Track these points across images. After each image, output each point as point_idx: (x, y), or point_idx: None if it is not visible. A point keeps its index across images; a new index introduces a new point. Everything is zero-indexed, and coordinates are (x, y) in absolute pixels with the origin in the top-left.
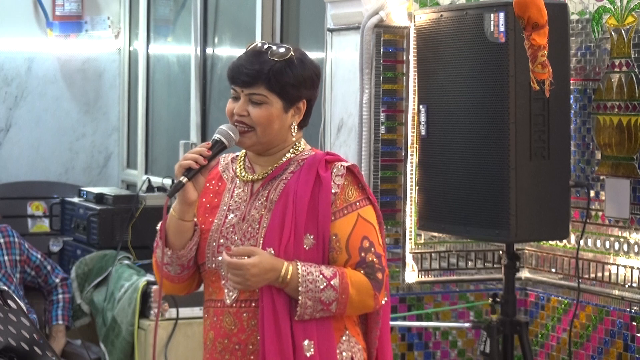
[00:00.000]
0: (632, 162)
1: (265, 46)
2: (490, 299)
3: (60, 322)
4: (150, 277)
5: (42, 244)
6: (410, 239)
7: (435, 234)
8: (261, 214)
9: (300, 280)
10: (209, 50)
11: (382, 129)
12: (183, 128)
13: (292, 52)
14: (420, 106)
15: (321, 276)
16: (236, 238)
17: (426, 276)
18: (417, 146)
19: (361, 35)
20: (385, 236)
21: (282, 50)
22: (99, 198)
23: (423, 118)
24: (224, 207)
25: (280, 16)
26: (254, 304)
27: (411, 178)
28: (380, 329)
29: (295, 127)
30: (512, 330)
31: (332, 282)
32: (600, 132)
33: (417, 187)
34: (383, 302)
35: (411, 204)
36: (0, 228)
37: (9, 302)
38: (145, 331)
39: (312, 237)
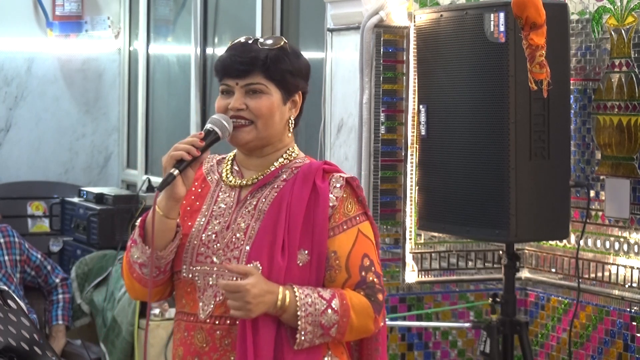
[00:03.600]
0: (632, 162)
1: (252, 40)
2: (490, 299)
3: (60, 322)
4: None
5: (42, 244)
6: (410, 239)
7: (435, 234)
8: (248, 224)
9: (298, 304)
10: (209, 50)
11: (382, 129)
12: (183, 128)
13: (284, 40)
14: (420, 106)
15: (320, 298)
16: (218, 247)
17: (426, 276)
18: (417, 146)
19: (361, 35)
20: (385, 236)
21: (271, 40)
22: (99, 198)
23: (423, 118)
24: (206, 213)
25: (280, 16)
26: (228, 322)
27: (411, 178)
28: (381, 356)
29: (292, 123)
30: (512, 330)
31: (332, 304)
32: (600, 132)
33: (417, 187)
34: (381, 324)
35: (411, 204)
36: (0, 228)
37: (9, 302)
38: None
39: (306, 252)
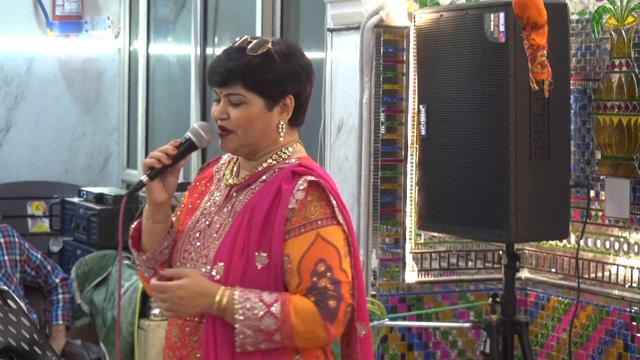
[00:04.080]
0: (632, 162)
1: (247, 42)
2: (490, 299)
3: (60, 322)
4: None
5: (42, 244)
6: (410, 239)
7: (435, 234)
8: (222, 223)
9: (236, 307)
10: (209, 50)
11: (382, 129)
12: (183, 128)
13: (269, 46)
14: (420, 106)
15: (260, 303)
16: (198, 245)
17: (426, 276)
18: (417, 146)
19: (361, 35)
20: (385, 236)
21: (259, 44)
22: (99, 198)
23: (423, 118)
24: (199, 211)
25: (280, 16)
26: (197, 319)
27: (411, 178)
28: None
29: (284, 126)
30: (512, 330)
31: (272, 309)
32: (600, 132)
33: (417, 187)
34: (362, 334)
35: (411, 204)
36: (0, 228)
37: (9, 302)
38: (145, 331)
39: (265, 255)
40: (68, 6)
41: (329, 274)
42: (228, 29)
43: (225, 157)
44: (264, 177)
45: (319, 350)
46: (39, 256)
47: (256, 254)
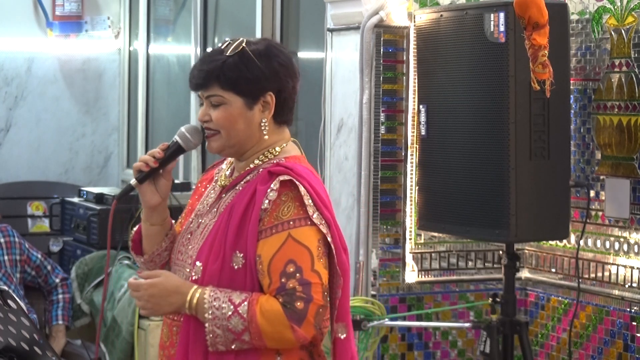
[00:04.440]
0: (632, 162)
1: (225, 44)
2: (490, 299)
3: (60, 322)
4: None
5: (42, 244)
6: (410, 239)
7: (435, 234)
8: (206, 224)
9: (206, 306)
10: (209, 50)
11: (382, 129)
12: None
13: (244, 45)
14: (420, 106)
15: (228, 303)
16: (188, 246)
17: (426, 276)
18: (417, 146)
19: (361, 35)
20: (385, 236)
21: (234, 44)
22: (99, 198)
23: (423, 118)
24: (194, 212)
25: (280, 16)
26: (182, 319)
27: (411, 178)
28: None
29: (267, 123)
30: (512, 330)
31: (239, 310)
32: (600, 132)
33: (417, 187)
34: (341, 336)
35: (411, 204)
36: (0, 228)
37: (9, 302)
38: (145, 331)
39: (241, 255)
40: (68, 6)
41: (298, 275)
42: (228, 29)
43: (230, 158)
44: (248, 178)
45: (303, 351)
46: (39, 256)
47: (233, 254)
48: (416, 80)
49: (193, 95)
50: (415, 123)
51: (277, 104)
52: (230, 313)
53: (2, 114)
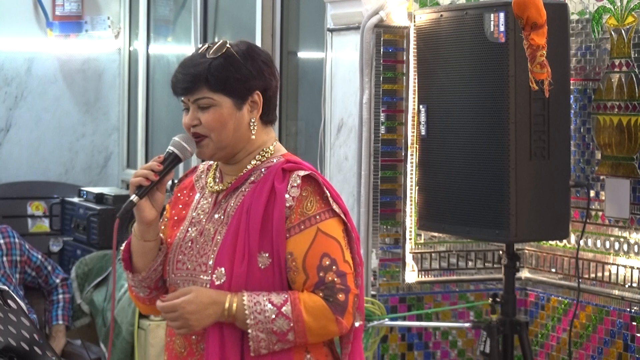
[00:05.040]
0: (632, 162)
1: (206, 48)
2: (490, 299)
3: (60, 322)
4: None
5: (42, 244)
6: (410, 239)
7: (435, 234)
8: (216, 229)
9: (247, 312)
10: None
11: (382, 129)
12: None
13: (228, 45)
14: (420, 106)
15: (270, 305)
16: (192, 254)
17: (426, 276)
18: (417, 146)
19: (361, 35)
20: (385, 236)
21: (218, 46)
22: (99, 198)
23: (423, 118)
24: (187, 220)
25: (280, 16)
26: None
27: (411, 178)
28: (351, 354)
29: (255, 123)
30: (512, 330)
31: (282, 310)
32: (600, 132)
33: (417, 187)
34: (357, 324)
35: (411, 204)
36: (0, 229)
37: (9, 302)
38: (145, 331)
39: (267, 255)
40: (68, 6)
41: (334, 267)
42: (228, 29)
43: (202, 165)
44: (252, 179)
45: (326, 347)
46: (40, 257)
47: (258, 255)
48: (416, 80)
49: None
50: (415, 123)
51: (264, 102)
52: (274, 315)
53: (2, 114)
